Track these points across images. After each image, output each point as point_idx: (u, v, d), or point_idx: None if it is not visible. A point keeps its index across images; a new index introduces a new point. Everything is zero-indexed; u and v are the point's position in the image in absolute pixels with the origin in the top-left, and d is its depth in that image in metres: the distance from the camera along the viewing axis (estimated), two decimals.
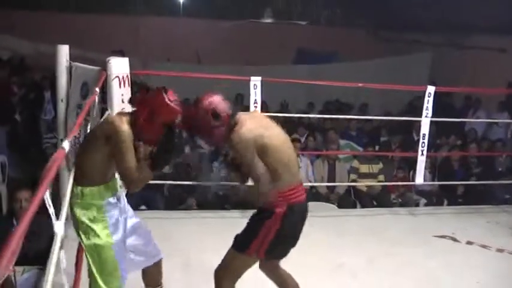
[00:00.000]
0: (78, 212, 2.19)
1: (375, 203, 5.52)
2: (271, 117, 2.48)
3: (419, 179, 4.66)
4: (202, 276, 2.89)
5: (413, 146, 5.67)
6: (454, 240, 4.05)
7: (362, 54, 10.36)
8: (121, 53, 6.33)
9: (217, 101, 2.23)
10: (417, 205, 5.58)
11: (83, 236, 2.20)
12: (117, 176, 2.32)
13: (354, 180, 5.66)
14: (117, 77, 3.22)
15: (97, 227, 2.18)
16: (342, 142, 6.61)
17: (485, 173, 5.94)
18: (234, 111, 2.26)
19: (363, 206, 5.42)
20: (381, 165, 5.72)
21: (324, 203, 5.15)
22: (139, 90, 2.36)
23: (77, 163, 2.23)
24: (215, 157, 5.44)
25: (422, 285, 3.29)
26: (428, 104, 4.45)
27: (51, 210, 1.49)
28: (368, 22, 11.60)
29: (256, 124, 2.26)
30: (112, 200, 2.26)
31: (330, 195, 5.53)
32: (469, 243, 4.00)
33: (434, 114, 4.54)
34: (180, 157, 5.52)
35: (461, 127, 7.73)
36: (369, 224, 4.39)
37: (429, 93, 4.43)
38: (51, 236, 1.55)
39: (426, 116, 4.48)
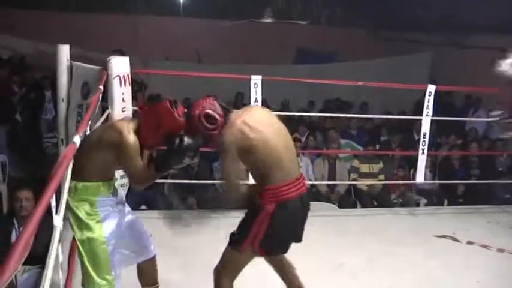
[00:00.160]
0: (72, 205, 2.22)
1: (375, 202, 5.53)
2: None
3: (420, 178, 4.66)
4: (201, 275, 2.88)
5: (414, 145, 5.67)
6: (455, 240, 4.05)
7: (362, 54, 10.35)
8: (120, 52, 6.33)
9: (208, 105, 2.26)
10: (417, 205, 5.58)
11: (76, 230, 2.23)
12: (116, 175, 2.34)
13: (354, 180, 5.67)
14: (118, 76, 3.22)
15: (90, 221, 2.22)
16: (343, 141, 6.61)
17: (485, 173, 5.94)
18: (226, 111, 2.29)
19: (363, 206, 5.43)
20: (381, 165, 5.72)
21: (324, 203, 5.15)
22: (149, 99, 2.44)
23: (76, 158, 2.23)
24: (215, 158, 5.45)
25: (423, 285, 3.29)
26: (429, 103, 4.46)
27: (53, 204, 1.50)
28: (368, 22, 11.59)
29: (245, 120, 2.26)
30: (107, 197, 2.30)
31: (331, 195, 5.53)
32: (469, 243, 3.99)
33: (434, 113, 4.54)
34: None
35: (462, 126, 7.72)
36: (369, 224, 4.39)
37: (430, 92, 4.43)
38: (51, 234, 1.55)
39: (427, 115, 4.49)
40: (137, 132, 2.22)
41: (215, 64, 9.43)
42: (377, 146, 6.52)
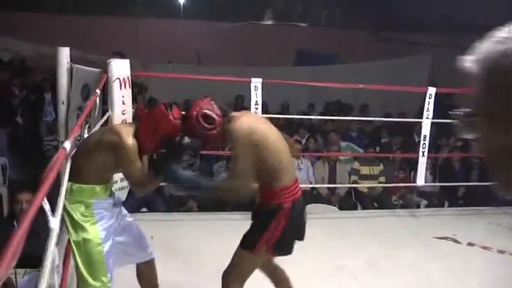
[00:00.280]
0: (68, 206, 2.22)
1: (375, 204, 5.52)
2: (271, 118, 2.51)
3: (420, 180, 4.66)
4: (202, 278, 2.89)
5: (414, 147, 5.66)
6: (455, 241, 4.05)
7: (362, 55, 10.36)
8: (120, 55, 6.34)
9: (206, 105, 2.27)
10: (418, 207, 5.57)
11: (71, 231, 2.24)
12: (115, 178, 2.34)
13: (354, 182, 5.66)
14: (118, 78, 3.22)
15: (85, 223, 2.23)
16: (343, 144, 6.61)
17: (486, 174, 5.93)
18: (225, 111, 2.32)
19: (363, 208, 5.42)
20: (381, 167, 5.71)
21: (324, 205, 5.15)
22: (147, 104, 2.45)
23: (74, 160, 2.24)
24: (215, 159, 5.45)
25: (423, 287, 3.28)
26: (429, 105, 4.46)
27: (47, 207, 1.50)
28: (368, 23, 11.60)
29: (251, 119, 2.32)
30: (104, 200, 2.30)
31: (331, 197, 5.52)
32: (470, 244, 3.99)
33: (435, 115, 4.54)
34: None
35: None
36: (370, 226, 4.39)
37: (430, 94, 4.43)
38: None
39: (427, 117, 4.49)
40: (136, 136, 2.24)
41: (215, 66, 9.44)
42: (377, 148, 6.51)
